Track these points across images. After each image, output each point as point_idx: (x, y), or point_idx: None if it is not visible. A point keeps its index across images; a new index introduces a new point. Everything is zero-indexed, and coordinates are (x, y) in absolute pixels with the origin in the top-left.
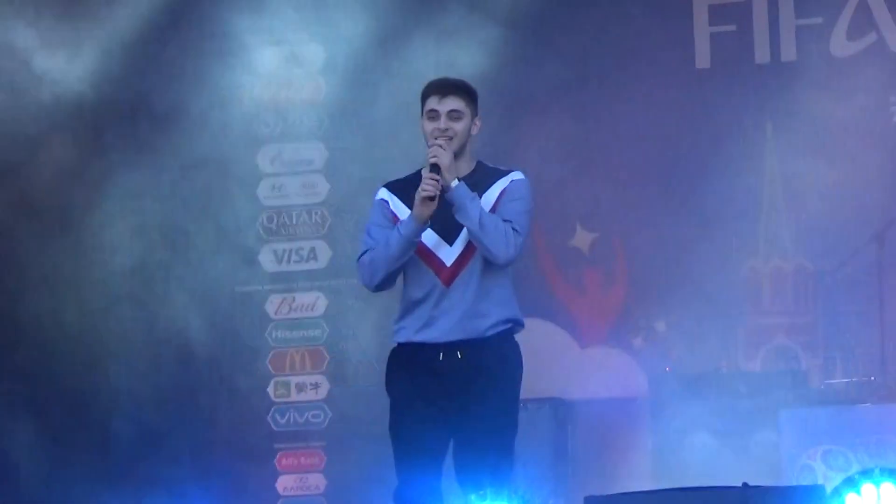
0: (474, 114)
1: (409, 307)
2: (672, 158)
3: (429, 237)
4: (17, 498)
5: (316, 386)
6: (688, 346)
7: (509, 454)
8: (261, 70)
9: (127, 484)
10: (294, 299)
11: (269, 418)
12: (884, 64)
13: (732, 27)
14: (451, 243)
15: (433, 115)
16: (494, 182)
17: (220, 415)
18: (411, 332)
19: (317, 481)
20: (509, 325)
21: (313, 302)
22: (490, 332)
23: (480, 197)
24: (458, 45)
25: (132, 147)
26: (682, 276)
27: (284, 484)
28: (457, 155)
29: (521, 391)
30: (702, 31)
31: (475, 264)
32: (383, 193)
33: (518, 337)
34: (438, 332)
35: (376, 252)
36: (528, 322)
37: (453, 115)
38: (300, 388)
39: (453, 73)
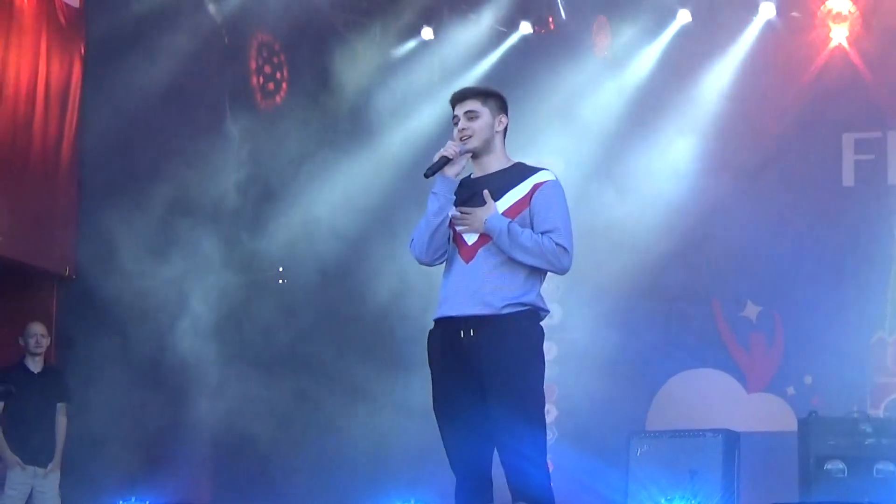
0: (497, 112)
1: (442, 285)
2: (818, 253)
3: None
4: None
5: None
6: (828, 396)
7: (540, 423)
8: None
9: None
10: None
11: None
12: None
13: (871, 156)
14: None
15: (455, 120)
16: (525, 178)
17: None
18: (437, 308)
19: None
20: (527, 308)
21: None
22: (507, 311)
23: (510, 191)
24: None
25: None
26: (827, 342)
27: None
28: (482, 151)
29: (701, 423)
30: (848, 158)
31: (494, 245)
32: None
33: (699, 383)
34: (454, 307)
35: (420, 224)
36: (708, 372)
37: (469, 115)
38: None
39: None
